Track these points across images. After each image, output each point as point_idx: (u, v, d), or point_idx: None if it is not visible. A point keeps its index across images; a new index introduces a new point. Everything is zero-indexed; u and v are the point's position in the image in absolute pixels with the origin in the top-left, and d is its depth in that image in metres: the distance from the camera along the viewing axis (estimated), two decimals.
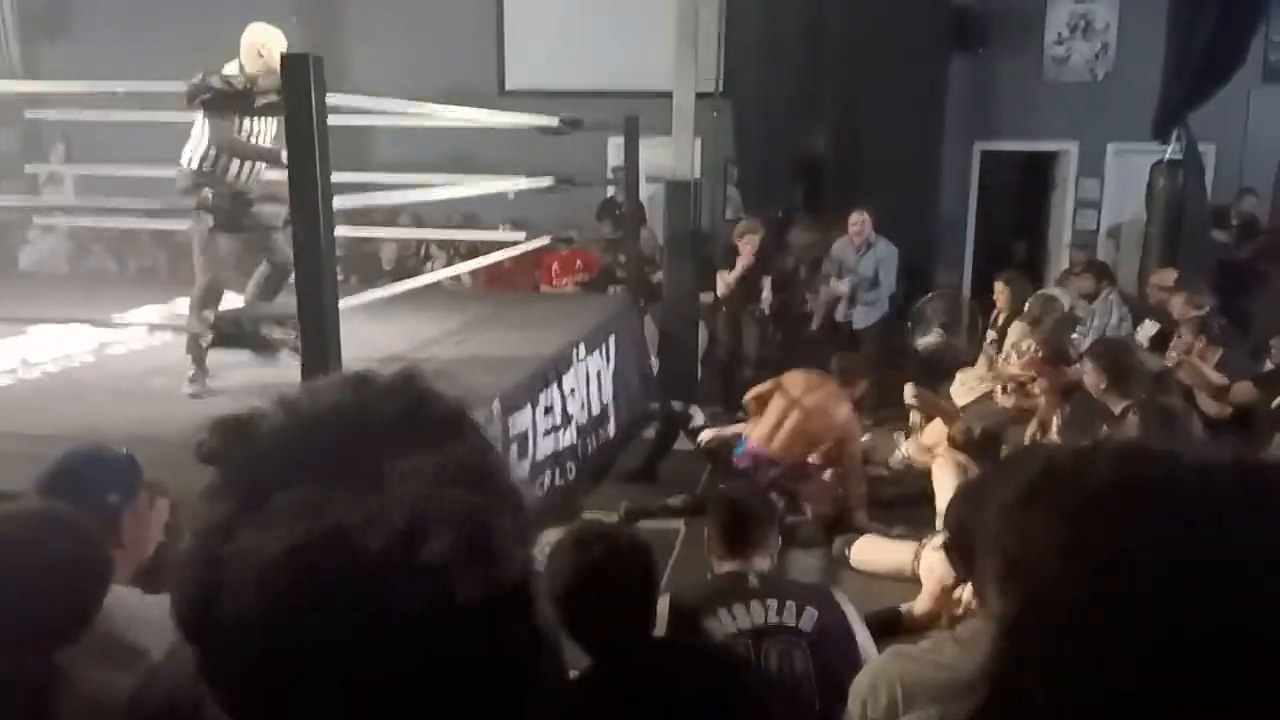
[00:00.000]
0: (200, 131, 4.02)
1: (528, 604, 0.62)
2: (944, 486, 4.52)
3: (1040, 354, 5.28)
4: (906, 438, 5.96)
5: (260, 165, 4.14)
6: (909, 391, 5.85)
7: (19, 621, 1.51)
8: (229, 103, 3.12)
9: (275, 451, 0.62)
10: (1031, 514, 0.70)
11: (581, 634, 1.91)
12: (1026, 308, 6.40)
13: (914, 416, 6.00)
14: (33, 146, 8.11)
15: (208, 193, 3.23)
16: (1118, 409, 4.28)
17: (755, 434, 5.17)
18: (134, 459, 2.07)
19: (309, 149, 3.02)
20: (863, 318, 7.41)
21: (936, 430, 5.57)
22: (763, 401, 5.31)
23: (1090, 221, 9.20)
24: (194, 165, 4.06)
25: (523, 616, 0.62)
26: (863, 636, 2.44)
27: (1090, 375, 4.39)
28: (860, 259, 7.36)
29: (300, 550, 0.57)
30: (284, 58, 2.97)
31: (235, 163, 4.06)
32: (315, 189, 3.04)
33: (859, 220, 7.31)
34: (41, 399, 4.08)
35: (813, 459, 5.19)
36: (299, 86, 2.96)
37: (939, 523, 4.39)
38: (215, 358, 3.99)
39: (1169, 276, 6.56)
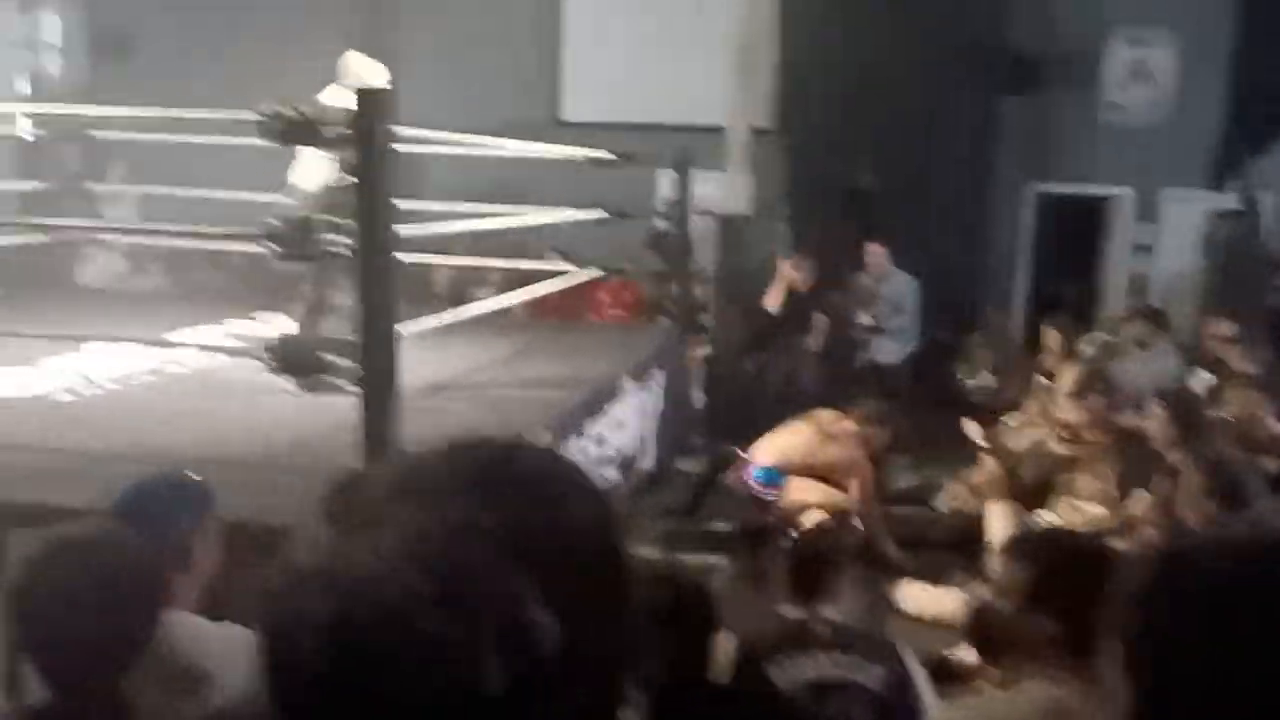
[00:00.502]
0: (316, 154, 4.21)
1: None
2: (997, 533, 4.46)
3: (1094, 401, 5.20)
4: (955, 479, 5.89)
5: None
6: (975, 431, 5.73)
7: (76, 644, 1.52)
8: (298, 134, 3.17)
9: (373, 510, 0.64)
10: (1159, 605, 0.71)
11: (638, 675, 1.89)
12: (1080, 351, 6.32)
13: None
14: (95, 164, 8.27)
15: (272, 219, 3.27)
16: (1176, 460, 4.20)
17: (763, 448, 5.18)
18: (205, 485, 2.09)
19: (376, 181, 3.06)
20: (889, 353, 7.34)
21: (988, 472, 5.50)
22: None
23: (1144, 267, 9.09)
24: (314, 188, 4.34)
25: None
26: (927, 695, 2.40)
27: (1156, 424, 4.31)
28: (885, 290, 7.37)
29: (351, 613, 0.59)
30: (357, 91, 3.02)
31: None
32: (380, 220, 3.08)
33: (876, 252, 7.30)
34: (102, 417, 4.14)
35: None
36: (370, 120, 3.01)
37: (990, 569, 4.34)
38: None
39: (1226, 327, 6.46)
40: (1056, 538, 2.21)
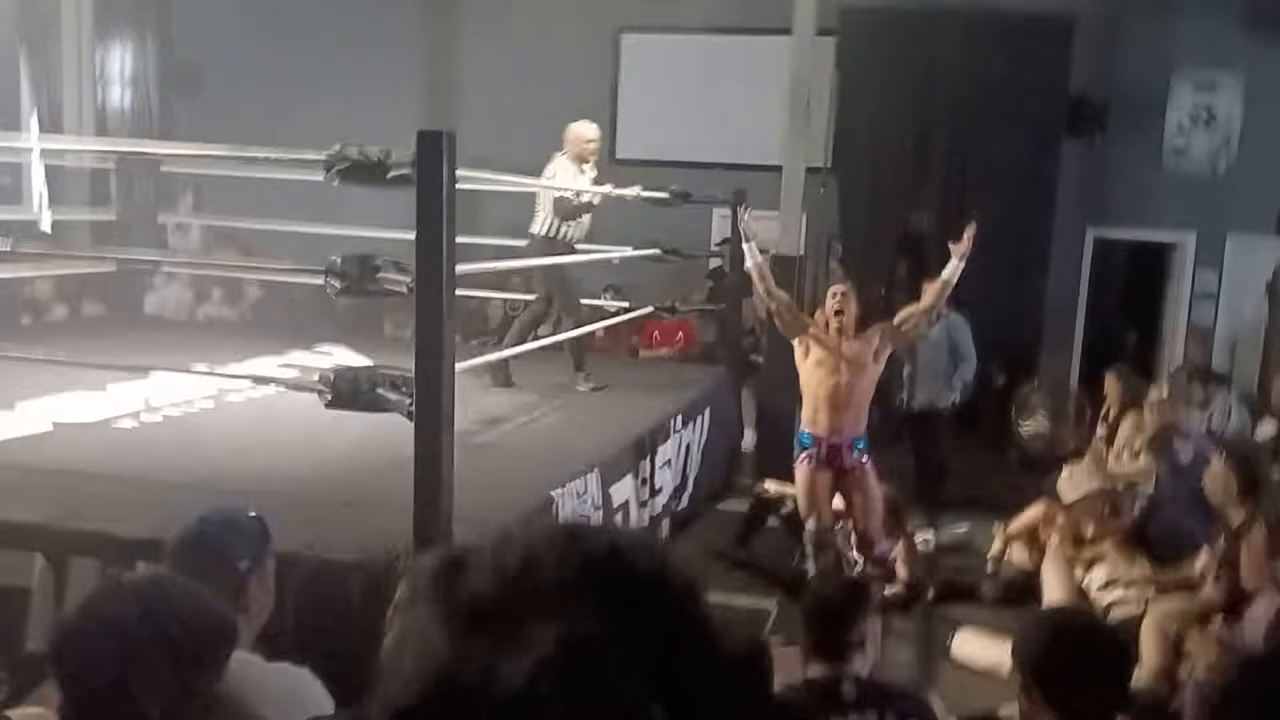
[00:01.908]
0: (542, 204, 5.78)
1: None
2: (1053, 586, 4.38)
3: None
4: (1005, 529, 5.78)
5: (585, 216, 5.85)
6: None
7: (139, 694, 1.49)
8: (363, 173, 3.23)
9: (477, 591, 0.64)
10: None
11: None
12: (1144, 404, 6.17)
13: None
14: (165, 196, 8.50)
15: (336, 257, 3.33)
16: (1237, 518, 4.09)
17: (813, 422, 4.99)
18: (264, 523, 2.12)
19: (437, 221, 3.11)
20: (943, 397, 7.17)
21: (1029, 521, 5.41)
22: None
23: (1207, 314, 8.91)
24: (541, 233, 5.78)
25: None
26: None
27: (1218, 479, 4.20)
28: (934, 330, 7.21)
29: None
30: (419, 134, 3.07)
31: (566, 224, 5.76)
32: (440, 259, 3.12)
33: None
34: (163, 445, 4.22)
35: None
36: (432, 161, 3.06)
37: None
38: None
39: None
40: (1063, 623, 2.14)
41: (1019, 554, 5.38)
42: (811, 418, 5.00)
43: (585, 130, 5.98)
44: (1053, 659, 1.91)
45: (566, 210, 5.75)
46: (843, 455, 4.95)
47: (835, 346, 4.94)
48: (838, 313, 4.95)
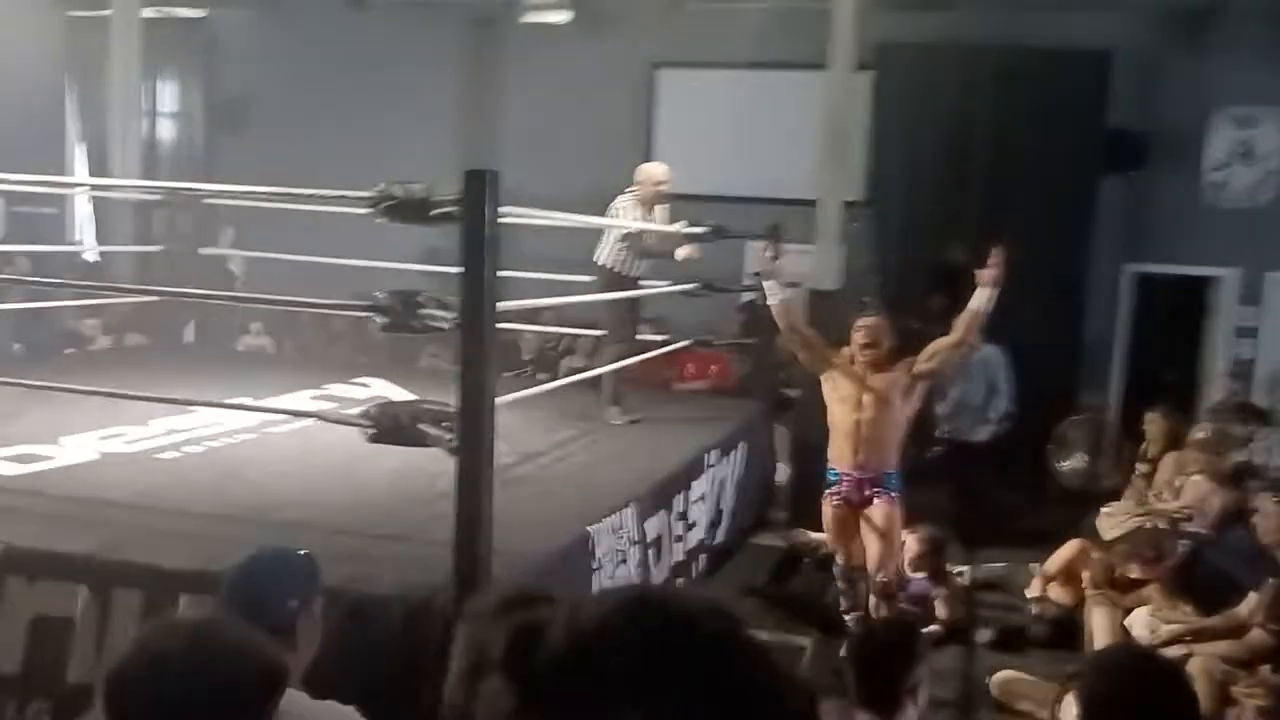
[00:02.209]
0: (608, 237, 5.83)
1: None
2: (1100, 629, 4.32)
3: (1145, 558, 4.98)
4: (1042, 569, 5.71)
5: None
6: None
7: None
8: (407, 211, 3.28)
9: (553, 665, 0.64)
10: None
11: None
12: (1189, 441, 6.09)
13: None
14: (207, 230, 8.63)
15: (381, 293, 3.37)
16: None
17: (837, 458, 4.88)
18: (314, 562, 2.13)
19: (480, 258, 3.14)
20: (980, 432, 7.14)
21: (1063, 561, 5.37)
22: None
23: (1248, 350, 8.80)
24: (605, 262, 5.84)
25: None
26: None
27: (1270, 518, 4.14)
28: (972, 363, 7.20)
29: None
30: (465, 173, 3.11)
31: (636, 260, 5.84)
32: (483, 297, 3.15)
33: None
34: (205, 476, 4.26)
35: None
36: (476, 199, 3.10)
37: None
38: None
39: None
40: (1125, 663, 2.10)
41: (1056, 592, 5.31)
42: (837, 454, 4.90)
43: (655, 171, 5.95)
44: (1117, 698, 1.88)
45: (640, 250, 5.81)
46: (865, 491, 4.84)
47: (860, 380, 4.87)
48: (865, 346, 4.85)
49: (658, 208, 5.93)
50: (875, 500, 4.82)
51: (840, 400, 4.90)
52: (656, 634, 0.65)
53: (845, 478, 4.88)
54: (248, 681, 1.52)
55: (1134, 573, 4.92)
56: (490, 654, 0.67)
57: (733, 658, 0.66)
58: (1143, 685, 1.91)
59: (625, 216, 5.79)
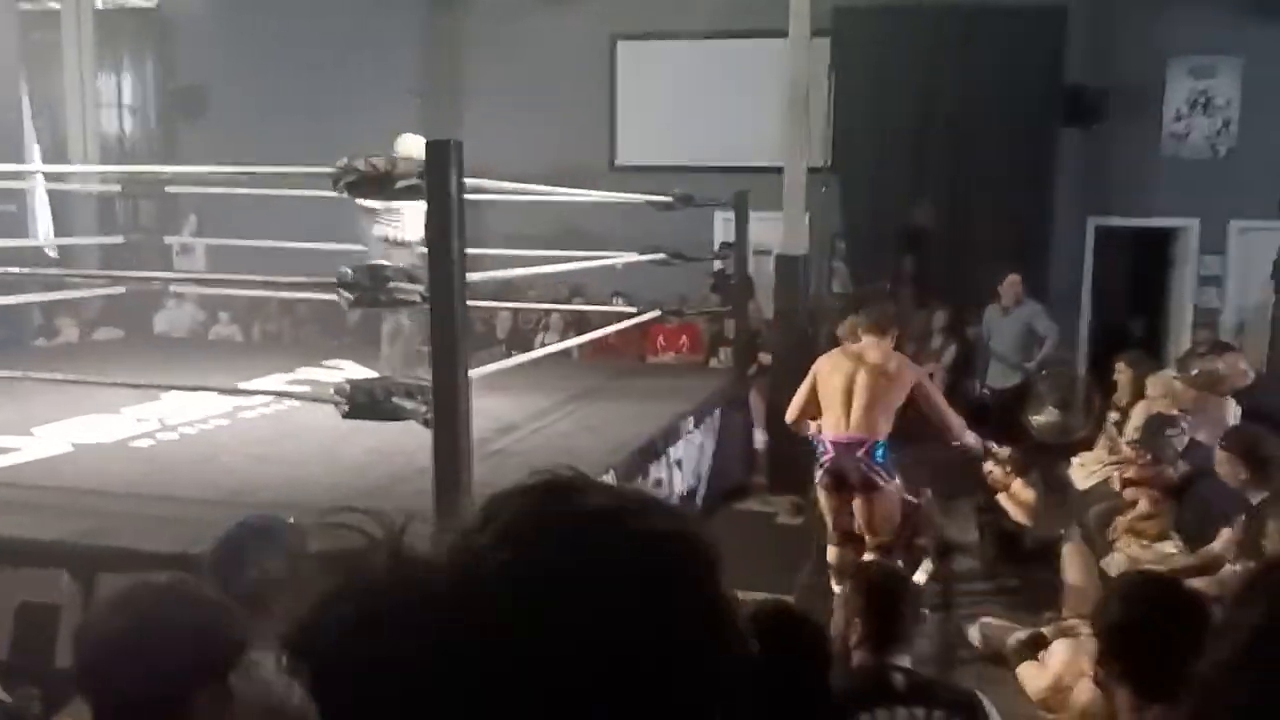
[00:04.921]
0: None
1: None
2: (1074, 574, 4.40)
3: (1142, 461, 5.07)
4: None
5: None
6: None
7: (136, 693, 1.54)
8: (372, 186, 3.26)
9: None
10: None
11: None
12: (1148, 391, 6.18)
13: None
14: (169, 219, 8.55)
15: (346, 269, 3.36)
16: (1257, 499, 4.10)
17: (827, 426, 4.83)
18: (296, 527, 2.14)
19: (447, 230, 3.14)
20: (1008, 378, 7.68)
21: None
22: (812, 404, 5.00)
23: (1213, 299, 8.93)
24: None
25: None
26: None
27: (1225, 466, 4.21)
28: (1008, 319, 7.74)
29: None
30: (428, 144, 3.11)
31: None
32: (451, 268, 3.15)
33: (1014, 282, 7.69)
34: (181, 461, 4.25)
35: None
36: (441, 170, 3.10)
37: (1065, 609, 4.29)
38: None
39: None
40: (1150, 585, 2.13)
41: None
42: (830, 423, 4.87)
43: (415, 146, 5.33)
44: (1131, 623, 1.91)
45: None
46: (856, 454, 4.79)
47: (856, 354, 4.90)
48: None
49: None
50: (871, 481, 4.80)
51: (832, 370, 4.92)
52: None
53: (834, 444, 4.82)
54: (206, 642, 1.56)
55: (1131, 474, 5.02)
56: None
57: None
58: (1162, 611, 1.92)
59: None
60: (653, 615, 0.62)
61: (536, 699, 0.59)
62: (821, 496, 4.99)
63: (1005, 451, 5.70)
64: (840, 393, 4.83)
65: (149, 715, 1.55)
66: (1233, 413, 5.21)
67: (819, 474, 4.92)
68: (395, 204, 4.96)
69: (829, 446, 4.84)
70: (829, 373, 4.93)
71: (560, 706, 0.60)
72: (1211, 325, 8.68)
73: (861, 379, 4.80)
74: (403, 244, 5.04)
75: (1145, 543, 4.85)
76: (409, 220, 4.92)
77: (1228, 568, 4.17)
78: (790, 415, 5.09)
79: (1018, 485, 5.63)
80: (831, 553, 5.04)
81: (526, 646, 0.59)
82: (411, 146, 5.00)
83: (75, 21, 8.71)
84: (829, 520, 5.02)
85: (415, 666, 0.60)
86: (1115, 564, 4.62)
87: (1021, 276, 7.76)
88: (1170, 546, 4.71)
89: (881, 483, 4.78)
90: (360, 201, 4.94)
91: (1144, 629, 1.90)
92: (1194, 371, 5.58)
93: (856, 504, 4.87)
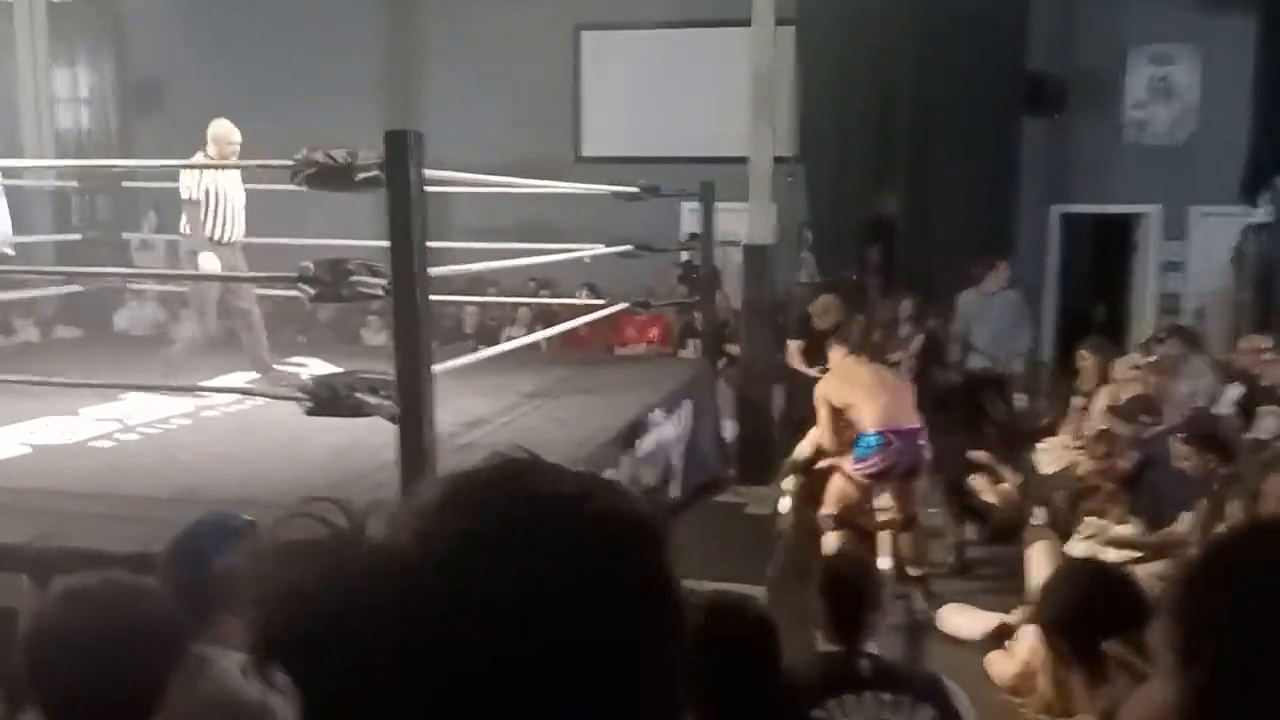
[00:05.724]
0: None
1: None
2: (1037, 564, 4.43)
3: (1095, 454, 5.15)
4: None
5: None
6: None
7: (85, 695, 1.54)
8: (331, 178, 3.21)
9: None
10: (1211, 592, 0.83)
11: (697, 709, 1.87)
12: (1118, 373, 6.23)
13: None
14: (127, 215, 8.41)
15: (309, 263, 3.32)
16: (1218, 482, 4.15)
17: (880, 420, 4.87)
18: (256, 525, 2.11)
19: (408, 221, 3.10)
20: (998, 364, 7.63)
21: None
22: (839, 419, 5.12)
23: (1175, 285, 9.03)
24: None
25: None
26: None
27: (1191, 459, 4.25)
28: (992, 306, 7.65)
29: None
30: (387, 134, 3.06)
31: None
32: (413, 260, 3.11)
33: (1001, 269, 7.59)
34: (141, 462, 4.18)
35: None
36: (400, 160, 3.05)
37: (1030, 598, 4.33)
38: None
39: (1263, 341, 6.38)
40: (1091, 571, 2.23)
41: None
42: (878, 416, 4.95)
43: (229, 131, 5.35)
44: (1075, 607, 1.94)
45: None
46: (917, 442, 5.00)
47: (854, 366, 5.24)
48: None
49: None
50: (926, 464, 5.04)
51: (844, 379, 5.15)
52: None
53: (898, 434, 4.89)
54: (146, 638, 1.56)
55: (1089, 469, 5.09)
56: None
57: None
58: (1096, 592, 1.97)
59: (196, 180, 5.30)
60: (604, 593, 0.63)
61: (497, 674, 0.60)
62: (877, 488, 5.07)
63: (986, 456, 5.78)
64: (874, 389, 5.02)
65: (97, 714, 1.55)
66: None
67: (881, 466, 4.94)
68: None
69: (890, 438, 4.89)
70: (843, 383, 5.13)
71: (520, 684, 0.60)
72: (1174, 310, 8.78)
73: (886, 377, 5.18)
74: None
75: (1108, 526, 4.90)
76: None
77: (1192, 550, 4.22)
78: (828, 444, 5.21)
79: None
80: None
81: (486, 627, 0.60)
82: (225, 130, 5.29)
83: (28, 13, 8.55)
84: (885, 512, 5.09)
85: (380, 650, 0.60)
86: (1079, 549, 4.66)
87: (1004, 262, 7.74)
88: (1130, 530, 4.77)
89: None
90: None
91: (1079, 612, 1.96)
92: (1153, 358, 5.64)
93: (896, 490, 5.03)
